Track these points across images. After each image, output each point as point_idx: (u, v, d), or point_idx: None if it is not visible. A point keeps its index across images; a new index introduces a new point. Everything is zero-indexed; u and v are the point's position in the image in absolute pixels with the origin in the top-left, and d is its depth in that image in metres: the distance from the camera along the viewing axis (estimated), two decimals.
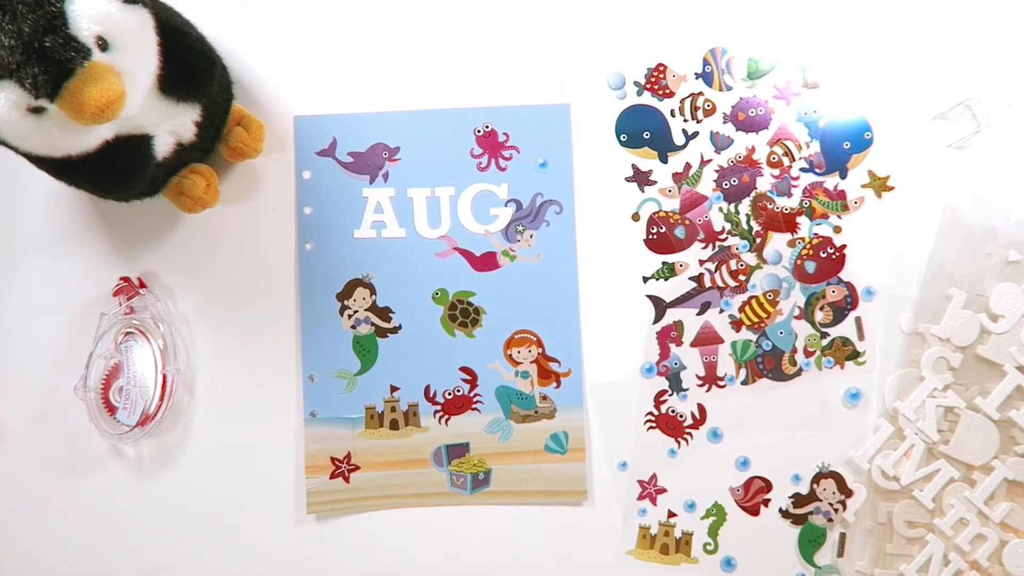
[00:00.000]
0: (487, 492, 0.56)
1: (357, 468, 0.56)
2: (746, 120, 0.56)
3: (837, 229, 0.55)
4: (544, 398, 0.56)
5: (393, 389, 0.56)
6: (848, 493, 0.55)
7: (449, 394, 0.56)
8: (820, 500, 0.55)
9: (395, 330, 0.56)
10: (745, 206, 0.55)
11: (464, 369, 0.56)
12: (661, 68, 0.56)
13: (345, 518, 0.56)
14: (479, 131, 0.56)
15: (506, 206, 0.56)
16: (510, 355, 0.56)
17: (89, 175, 0.48)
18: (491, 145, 0.56)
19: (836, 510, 0.55)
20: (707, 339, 0.55)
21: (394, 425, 0.56)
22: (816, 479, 0.55)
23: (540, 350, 0.56)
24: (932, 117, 0.55)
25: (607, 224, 0.56)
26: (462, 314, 0.56)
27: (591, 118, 0.56)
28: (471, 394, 0.56)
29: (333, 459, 0.56)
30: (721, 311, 0.55)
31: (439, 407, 0.56)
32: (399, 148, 0.56)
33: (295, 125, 0.56)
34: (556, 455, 0.56)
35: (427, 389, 0.56)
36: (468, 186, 0.56)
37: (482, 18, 0.56)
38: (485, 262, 0.56)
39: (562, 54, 0.56)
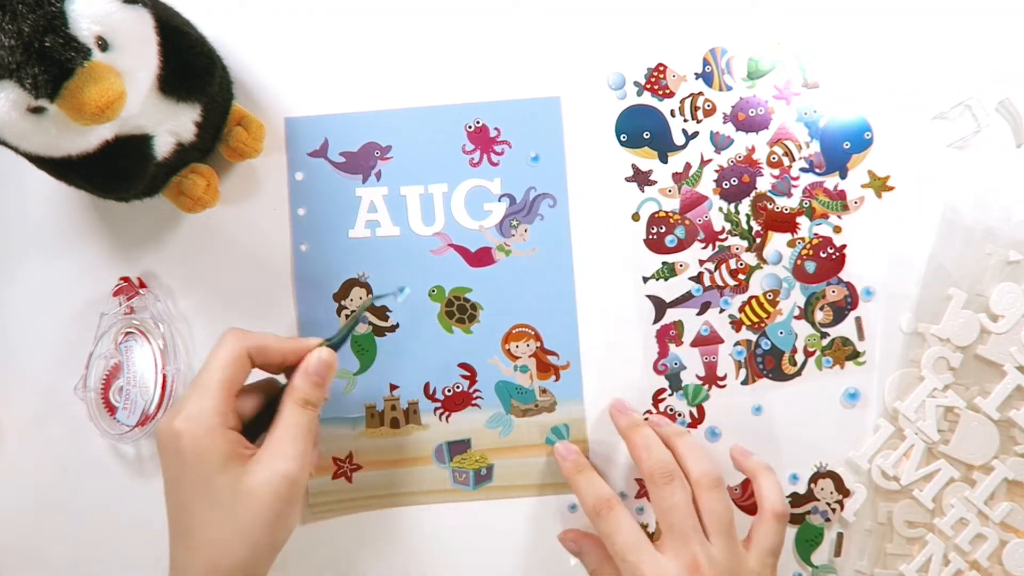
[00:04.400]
0: (490, 487, 0.56)
1: (359, 467, 0.56)
2: (746, 120, 0.56)
3: (837, 229, 0.55)
4: (544, 391, 0.56)
5: (393, 387, 0.56)
6: (846, 493, 0.55)
7: (449, 391, 0.56)
8: (818, 500, 0.55)
9: (392, 329, 0.56)
10: (745, 206, 0.55)
11: (463, 365, 0.56)
12: (661, 68, 0.56)
13: (349, 517, 0.56)
14: (470, 127, 0.56)
15: (500, 201, 0.56)
16: (508, 350, 0.56)
17: (89, 175, 0.48)
18: (483, 140, 0.56)
19: (834, 510, 0.55)
20: (707, 339, 0.55)
21: (395, 423, 0.56)
22: (814, 479, 0.55)
23: (538, 344, 0.56)
24: (932, 117, 0.55)
25: (606, 224, 0.56)
26: (459, 310, 0.56)
27: (588, 115, 0.56)
28: (471, 390, 0.56)
29: (335, 459, 0.56)
30: (721, 311, 0.55)
31: (439, 404, 0.56)
32: (391, 147, 0.56)
33: (285, 126, 0.56)
34: None
35: (427, 386, 0.56)
36: (461, 182, 0.56)
37: (474, 16, 0.56)
38: (480, 258, 0.56)
39: (561, 54, 0.56)
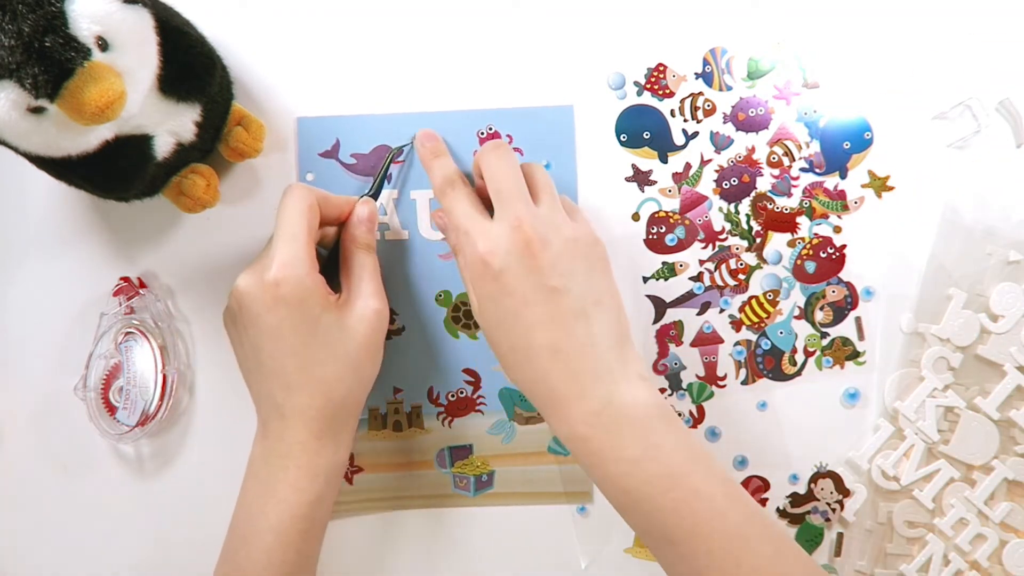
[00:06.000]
0: (490, 494, 0.56)
1: (360, 470, 0.56)
2: (746, 120, 0.56)
3: (837, 229, 0.55)
4: None
5: (396, 391, 0.56)
6: (845, 493, 0.55)
7: (452, 396, 0.56)
8: (818, 500, 0.55)
9: (398, 332, 0.56)
10: (745, 206, 0.55)
11: (467, 371, 0.56)
12: (661, 68, 0.56)
13: (348, 520, 0.56)
14: (483, 133, 0.56)
15: None
16: None
17: (89, 175, 0.48)
18: None
19: (834, 510, 0.55)
20: (707, 339, 0.56)
21: (397, 427, 0.56)
22: (814, 479, 0.55)
23: None
24: (932, 117, 0.55)
25: (608, 224, 0.56)
26: (465, 316, 0.55)
27: (592, 119, 0.56)
28: (474, 396, 0.56)
29: None
30: (721, 311, 0.55)
31: (442, 409, 0.56)
32: (402, 150, 0.56)
33: (298, 127, 0.56)
34: (559, 456, 0.56)
35: (430, 391, 0.56)
36: None
37: (483, 19, 0.56)
38: None
39: (563, 55, 0.56)
